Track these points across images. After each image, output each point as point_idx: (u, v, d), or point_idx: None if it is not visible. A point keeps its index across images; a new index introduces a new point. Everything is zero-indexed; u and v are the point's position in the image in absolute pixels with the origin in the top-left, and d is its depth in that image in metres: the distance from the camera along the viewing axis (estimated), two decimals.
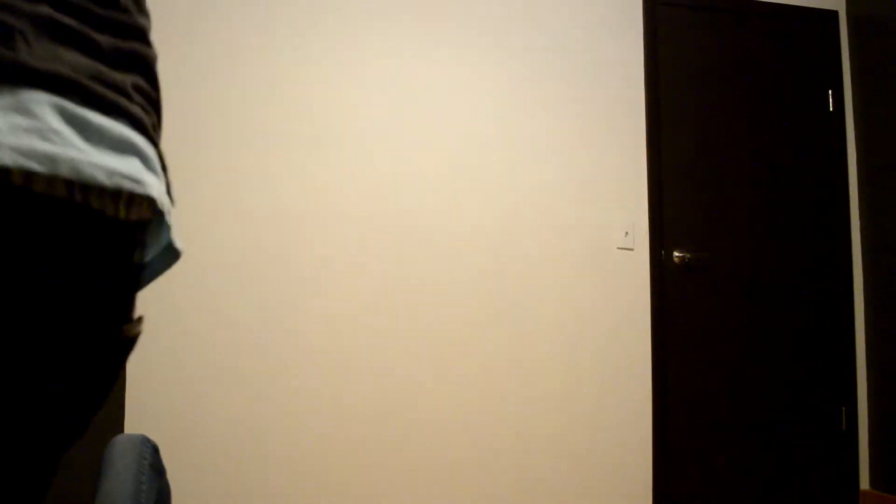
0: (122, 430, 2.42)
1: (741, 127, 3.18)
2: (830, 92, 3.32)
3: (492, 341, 2.80)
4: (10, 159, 0.48)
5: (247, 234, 2.61)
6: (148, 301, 2.49)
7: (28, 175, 0.49)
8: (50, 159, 0.50)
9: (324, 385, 2.63)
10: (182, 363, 2.51)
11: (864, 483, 3.16)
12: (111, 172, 0.54)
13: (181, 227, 2.55)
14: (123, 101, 0.59)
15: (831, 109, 3.31)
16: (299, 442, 2.59)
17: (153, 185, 0.58)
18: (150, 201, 0.58)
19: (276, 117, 2.68)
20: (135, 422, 2.44)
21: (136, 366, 2.46)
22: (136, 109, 0.60)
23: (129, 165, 0.56)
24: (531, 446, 2.81)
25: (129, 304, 0.59)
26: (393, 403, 2.69)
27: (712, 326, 3.06)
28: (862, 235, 3.27)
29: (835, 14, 3.36)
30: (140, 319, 0.63)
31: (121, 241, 0.56)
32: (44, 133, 0.51)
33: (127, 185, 0.55)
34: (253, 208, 2.63)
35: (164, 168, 0.65)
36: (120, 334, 0.58)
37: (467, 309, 2.79)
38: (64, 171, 0.51)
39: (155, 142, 0.63)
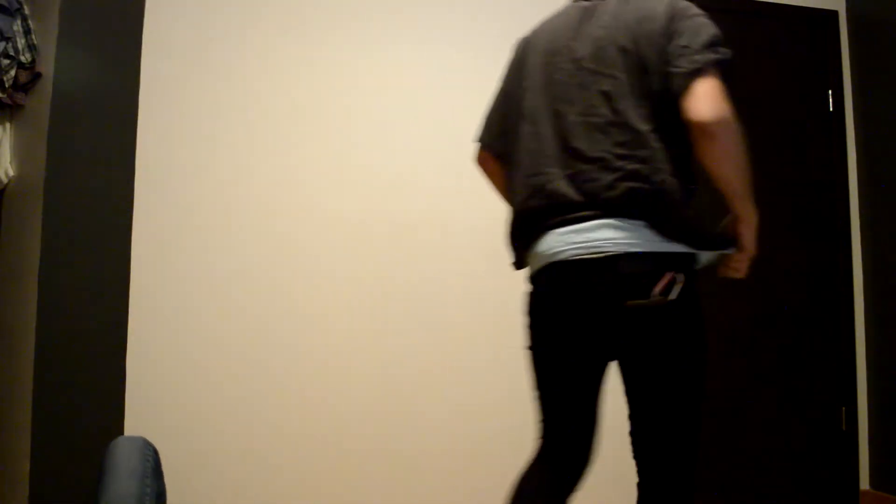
0: (121, 430, 2.42)
1: (741, 126, 3.18)
2: (830, 92, 3.32)
3: (491, 341, 2.80)
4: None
5: (243, 233, 2.61)
6: (148, 301, 2.49)
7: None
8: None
9: (323, 384, 2.63)
10: (181, 363, 2.51)
11: (864, 483, 3.16)
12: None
13: (179, 229, 2.55)
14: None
15: (831, 109, 3.31)
16: (298, 440, 2.59)
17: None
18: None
19: (269, 117, 2.67)
20: (135, 421, 2.44)
21: (137, 365, 2.45)
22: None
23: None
24: (528, 447, 2.81)
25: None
26: (389, 402, 2.69)
27: (712, 326, 3.05)
28: (862, 235, 3.27)
29: (835, 14, 3.36)
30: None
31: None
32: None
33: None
34: (249, 208, 2.63)
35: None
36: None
37: (464, 307, 2.79)
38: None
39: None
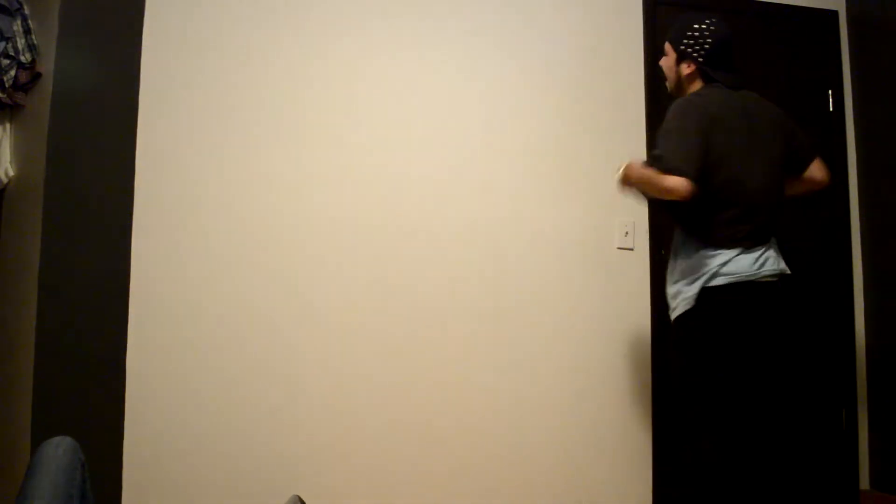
0: (121, 430, 2.42)
1: None
2: (830, 92, 3.32)
3: (489, 342, 2.80)
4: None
5: (244, 233, 2.61)
6: (148, 301, 2.49)
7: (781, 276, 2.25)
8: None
9: (326, 384, 2.63)
10: (181, 363, 2.51)
11: (864, 483, 3.16)
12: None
13: (179, 228, 2.55)
14: None
15: (831, 109, 3.31)
16: (298, 439, 2.59)
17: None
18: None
19: (269, 117, 2.67)
20: (135, 421, 2.44)
21: (137, 366, 2.46)
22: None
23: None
24: (530, 448, 2.81)
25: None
26: (388, 405, 2.69)
27: None
28: (862, 235, 3.27)
29: (835, 14, 3.36)
30: None
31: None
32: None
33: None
34: (249, 208, 2.63)
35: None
36: None
37: (464, 309, 2.79)
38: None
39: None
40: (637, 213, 2.98)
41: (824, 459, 3.12)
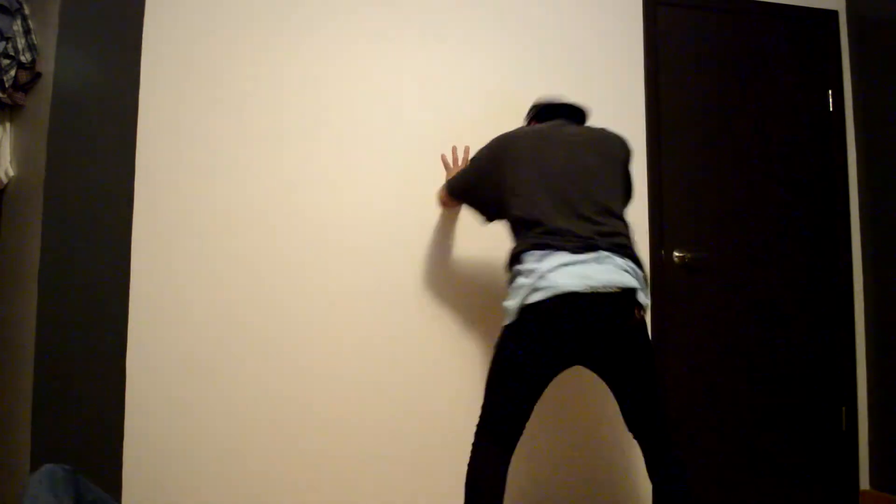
0: (121, 430, 2.42)
1: (741, 127, 3.18)
2: (830, 92, 3.32)
3: (487, 343, 2.80)
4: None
5: (243, 233, 2.61)
6: (148, 301, 2.49)
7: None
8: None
9: (324, 384, 2.63)
10: (181, 363, 2.51)
11: (864, 483, 3.16)
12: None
13: (179, 228, 2.55)
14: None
15: (831, 109, 3.31)
16: (297, 440, 2.59)
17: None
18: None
19: (269, 117, 2.67)
20: (135, 421, 2.44)
21: (137, 365, 2.46)
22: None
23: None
24: (528, 452, 2.81)
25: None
26: (386, 414, 2.69)
27: (712, 327, 3.06)
28: (862, 235, 3.27)
29: (835, 14, 3.37)
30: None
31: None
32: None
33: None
34: (249, 208, 2.63)
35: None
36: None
37: (462, 308, 2.79)
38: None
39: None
40: (637, 213, 2.98)
41: (824, 459, 3.13)
